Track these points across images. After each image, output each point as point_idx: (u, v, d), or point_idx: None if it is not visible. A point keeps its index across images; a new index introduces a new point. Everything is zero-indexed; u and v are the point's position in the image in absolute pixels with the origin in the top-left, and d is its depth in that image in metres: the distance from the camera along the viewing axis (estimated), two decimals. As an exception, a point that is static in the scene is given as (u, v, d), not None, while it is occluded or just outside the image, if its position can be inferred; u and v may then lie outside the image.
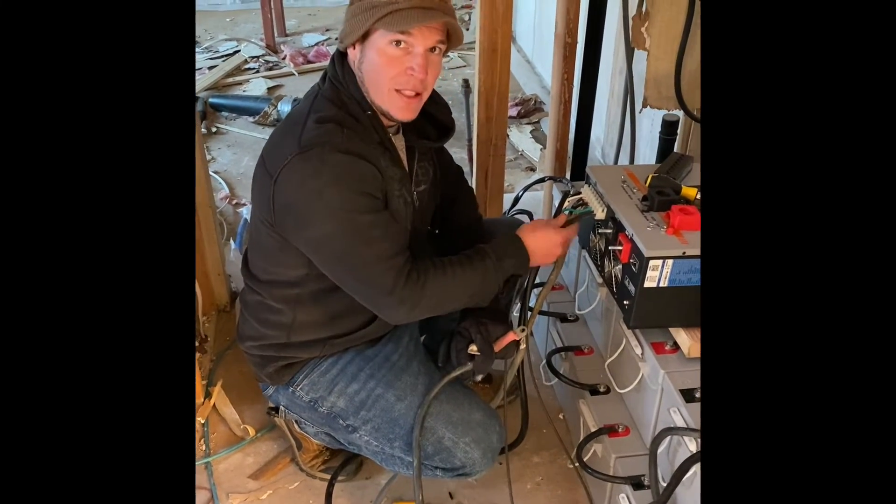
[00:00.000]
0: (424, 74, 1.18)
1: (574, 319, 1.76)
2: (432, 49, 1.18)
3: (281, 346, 1.37)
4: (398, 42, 1.16)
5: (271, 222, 1.24)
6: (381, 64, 1.18)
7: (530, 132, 3.37)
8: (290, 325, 1.34)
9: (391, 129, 1.28)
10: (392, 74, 1.18)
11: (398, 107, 1.21)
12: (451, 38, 1.20)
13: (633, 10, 1.78)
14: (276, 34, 4.47)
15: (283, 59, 4.22)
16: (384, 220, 1.21)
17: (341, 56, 1.25)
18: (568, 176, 2.04)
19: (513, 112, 3.45)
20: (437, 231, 1.52)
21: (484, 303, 1.30)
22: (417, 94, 1.21)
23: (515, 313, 1.50)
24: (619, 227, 1.36)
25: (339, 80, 1.23)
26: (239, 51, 4.32)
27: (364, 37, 1.18)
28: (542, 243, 1.32)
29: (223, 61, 4.15)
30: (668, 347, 1.35)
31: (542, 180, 2.02)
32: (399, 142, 1.31)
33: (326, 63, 4.31)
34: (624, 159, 2.26)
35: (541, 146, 3.19)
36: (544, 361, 1.71)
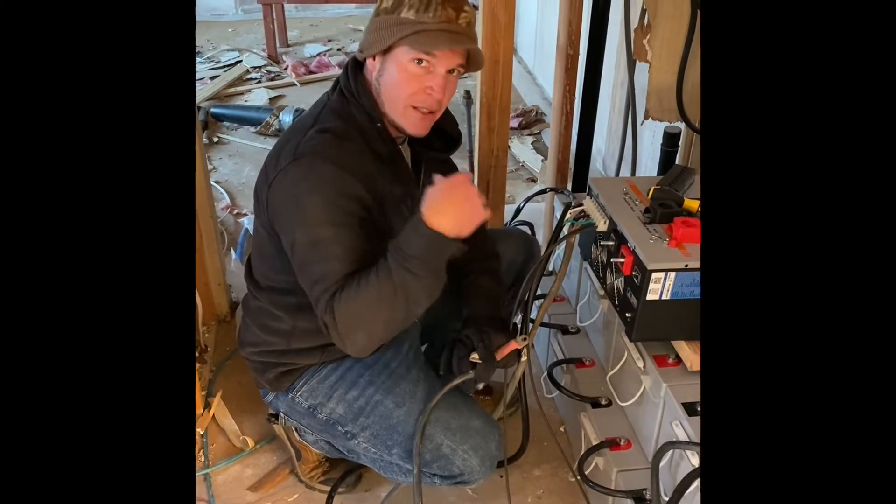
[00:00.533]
0: (442, 95, 1.20)
1: (575, 331, 1.75)
2: (451, 70, 1.20)
3: (281, 352, 1.37)
4: (420, 61, 1.17)
5: (267, 227, 1.26)
6: (401, 80, 1.19)
7: (531, 143, 3.37)
8: (290, 332, 1.35)
9: (399, 140, 1.28)
10: (410, 91, 1.19)
11: (412, 122, 1.23)
12: (471, 62, 1.22)
13: (634, 23, 1.79)
14: (277, 45, 4.49)
15: (285, 69, 4.24)
16: (347, 238, 1.17)
17: (356, 65, 1.26)
18: (569, 187, 2.03)
19: (514, 123, 3.46)
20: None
21: (429, 300, 1.17)
22: (432, 112, 1.23)
23: (517, 322, 1.50)
24: (621, 240, 1.35)
25: (352, 90, 1.24)
26: (241, 61, 4.34)
27: (386, 50, 1.19)
28: (455, 202, 1.12)
29: (225, 71, 4.17)
30: (670, 360, 1.35)
31: (543, 192, 2.02)
32: (406, 152, 1.32)
33: (328, 73, 4.30)
34: (625, 171, 2.26)
35: (542, 157, 3.20)
36: (545, 373, 1.70)
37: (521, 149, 3.30)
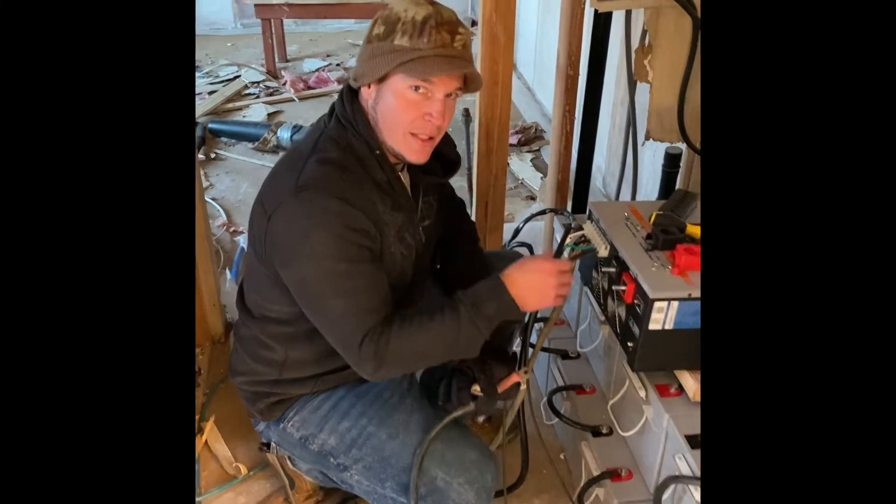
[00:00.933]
0: (442, 121, 1.18)
1: (576, 356, 1.72)
2: (449, 94, 1.18)
3: (272, 382, 1.34)
4: (417, 87, 1.14)
5: (264, 259, 1.22)
6: (399, 108, 1.16)
7: (531, 160, 3.35)
8: (282, 362, 1.32)
9: (398, 167, 1.26)
10: (409, 119, 1.17)
11: (412, 150, 1.20)
12: (469, 84, 1.20)
13: (635, 43, 1.77)
14: (276, 59, 4.48)
15: (284, 84, 4.22)
16: (366, 272, 1.16)
17: (351, 92, 1.23)
18: (569, 208, 2.01)
19: (513, 140, 3.44)
20: (437, 266, 1.49)
21: (471, 354, 1.22)
22: (431, 138, 1.20)
23: (516, 347, 1.47)
24: (622, 266, 1.32)
25: (349, 118, 1.21)
26: (239, 76, 4.32)
27: (382, 78, 1.16)
28: (531, 278, 1.18)
29: (223, 86, 4.15)
30: (672, 390, 1.31)
31: (542, 212, 1.99)
32: (405, 178, 1.29)
33: (327, 89, 4.26)
34: (626, 191, 2.24)
35: (541, 174, 3.17)
36: (545, 399, 1.67)
37: (520, 166, 3.28)
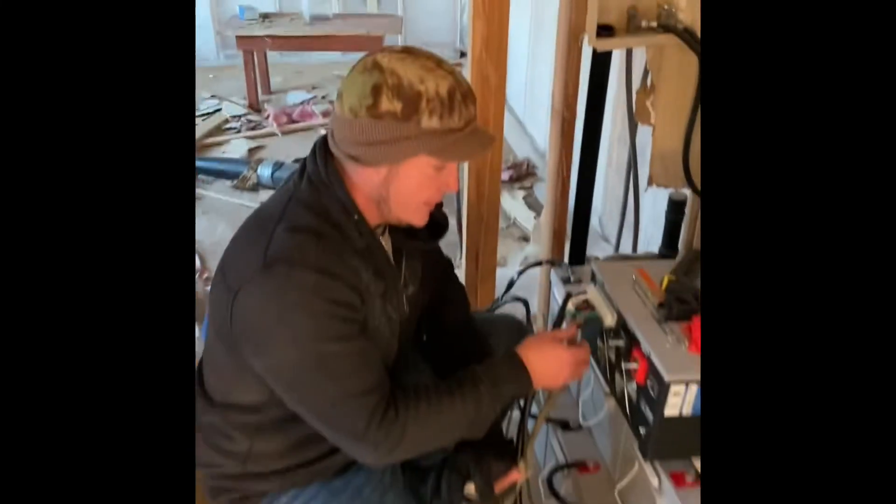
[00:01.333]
0: (456, 188, 1.10)
1: (577, 428, 1.56)
2: None
3: (235, 477, 1.18)
4: (442, 167, 1.05)
5: (228, 341, 1.06)
6: (421, 185, 1.05)
7: (523, 198, 3.21)
8: (245, 454, 1.15)
9: (378, 230, 1.11)
10: (429, 193, 1.07)
11: (421, 216, 1.11)
12: None
13: (636, 83, 1.64)
14: (259, 91, 4.35)
15: (267, 118, 4.09)
16: (357, 349, 1.03)
17: (325, 152, 1.08)
18: (566, 259, 1.86)
19: (505, 176, 3.31)
20: (424, 337, 1.33)
21: (479, 435, 1.11)
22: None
23: (515, 412, 1.32)
24: (632, 340, 1.18)
25: (323, 179, 1.06)
26: (220, 110, 4.19)
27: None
28: (547, 364, 1.14)
29: (203, 120, 4.01)
30: (689, 480, 1.16)
31: (538, 264, 1.85)
32: (386, 242, 1.14)
33: (311, 122, 4.10)
34: (626, 236, 2.10)
35: (535, 213, 3.04)
36: (544, 473, 1.51)
37: (512, 204, 3.14)
